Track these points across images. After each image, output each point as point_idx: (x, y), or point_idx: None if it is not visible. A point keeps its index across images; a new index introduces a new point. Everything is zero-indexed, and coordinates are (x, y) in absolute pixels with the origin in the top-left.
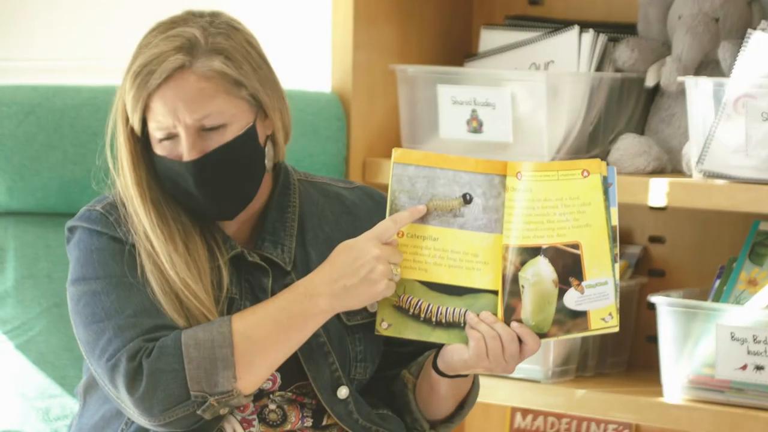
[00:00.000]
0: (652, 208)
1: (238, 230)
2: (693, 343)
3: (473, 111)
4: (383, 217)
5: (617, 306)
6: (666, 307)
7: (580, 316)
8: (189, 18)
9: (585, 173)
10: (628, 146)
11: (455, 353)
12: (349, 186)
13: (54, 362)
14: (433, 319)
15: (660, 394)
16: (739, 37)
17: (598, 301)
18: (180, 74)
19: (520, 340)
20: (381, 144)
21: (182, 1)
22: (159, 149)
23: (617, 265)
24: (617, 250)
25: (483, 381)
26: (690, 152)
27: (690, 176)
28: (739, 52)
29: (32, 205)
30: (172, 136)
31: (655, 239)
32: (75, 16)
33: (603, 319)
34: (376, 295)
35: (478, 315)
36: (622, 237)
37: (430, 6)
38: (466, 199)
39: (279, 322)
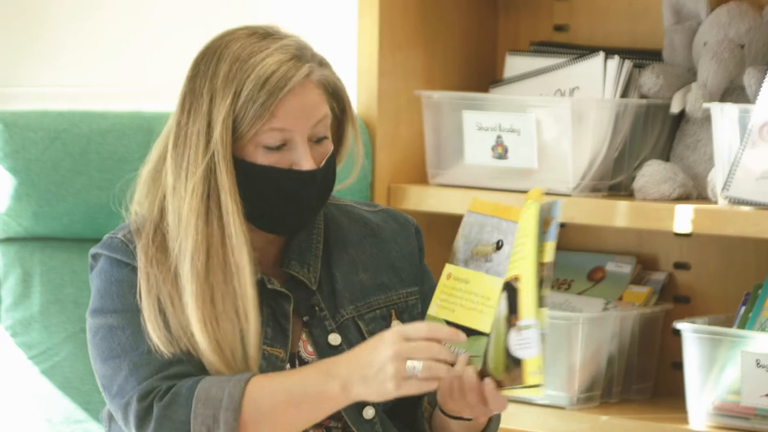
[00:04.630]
0: (677, 235)
1: (265, 251)
2: (718, 370)
3: (498, 137)
4: (407, 239)
5: (543, 361)
6: (691, 333)
7: (518, 364)
8: (269, 31)
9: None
10: (653, 173)
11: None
12: (373, 209)
13: (79, 387)
14: None
15: (685, 420)
16: (764, 64)
17: (527, 348)
18: (306, 82)
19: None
20: (406, 170)
21: (210, 26)
22: (262, 158)
23: (544, 310)
24: (547, 292)
25: (507, 408)
26: (715, 179)
27: (715, 203)
28: (764, 78)
29: (58, 231)
30: (282, 146)
31: (680, 265)
32: (102, 42)
33: (532, 373)
34: (387, 394)
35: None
36: (648, 263)
37: (455, 32)
38: (498, 246)
39: (292, 396)
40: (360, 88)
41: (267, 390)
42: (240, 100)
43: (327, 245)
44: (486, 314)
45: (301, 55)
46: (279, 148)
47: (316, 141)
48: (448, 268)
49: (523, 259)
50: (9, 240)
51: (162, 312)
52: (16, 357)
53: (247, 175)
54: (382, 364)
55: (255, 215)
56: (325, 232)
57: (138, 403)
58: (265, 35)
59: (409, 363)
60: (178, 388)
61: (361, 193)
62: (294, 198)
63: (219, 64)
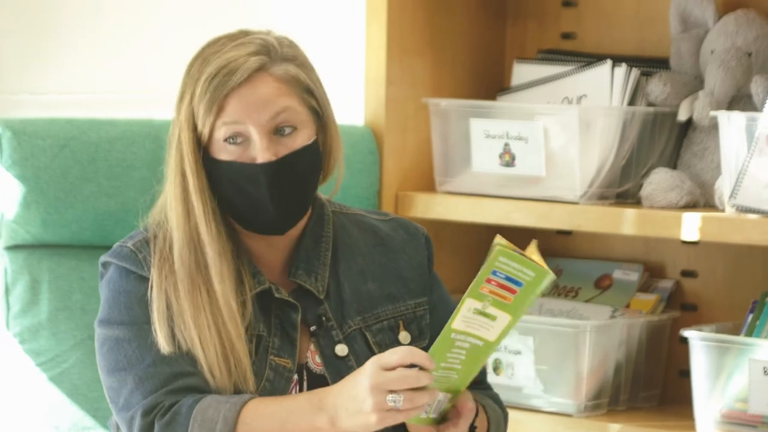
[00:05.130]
0: (684, 243)
1: (272, 260)
2: (726, 378)
3: (506, 145)
4: (416, 249)
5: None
6: (698, 341)
7: None
8: (248, 32)
9: None
10: (660, 180)
11: None
12: (383, 218)
13: (87, 395)
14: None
15: (692, 428)
16: None
17: None
18: (258, 75)
19: None
20: (414, 177)
21: (216, 35)
22: (224, 154)
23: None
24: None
25: (514, 415)
26: (722, 187)
27: (722, 211)
28: None
29: (66, 238)
30: (240, 140)
31: (687, 273)
32: (110, 49)
33: None
34: (370, 427)
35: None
36: (655, 271)
37: (463, 40)
38: None
39: (284, 425)
40: (368, 96)
41: (262, 414)
42: (195, 98)
43: (335, 254)
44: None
45: (264, 52)
46: (239, 142)
47: (279, 134)
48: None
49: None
50: (17, 247)
51: (170, 310)
52: (24, 364)
53: (213, 172)
54: (363, 398)
55: (232, 213)
56: (334, 241)
57: (142, 418)
58: (237, 35)
59: (389, 396)
60: (179, 407)
61: (369, 200)
62: (250, 191)
63: (192, 68)
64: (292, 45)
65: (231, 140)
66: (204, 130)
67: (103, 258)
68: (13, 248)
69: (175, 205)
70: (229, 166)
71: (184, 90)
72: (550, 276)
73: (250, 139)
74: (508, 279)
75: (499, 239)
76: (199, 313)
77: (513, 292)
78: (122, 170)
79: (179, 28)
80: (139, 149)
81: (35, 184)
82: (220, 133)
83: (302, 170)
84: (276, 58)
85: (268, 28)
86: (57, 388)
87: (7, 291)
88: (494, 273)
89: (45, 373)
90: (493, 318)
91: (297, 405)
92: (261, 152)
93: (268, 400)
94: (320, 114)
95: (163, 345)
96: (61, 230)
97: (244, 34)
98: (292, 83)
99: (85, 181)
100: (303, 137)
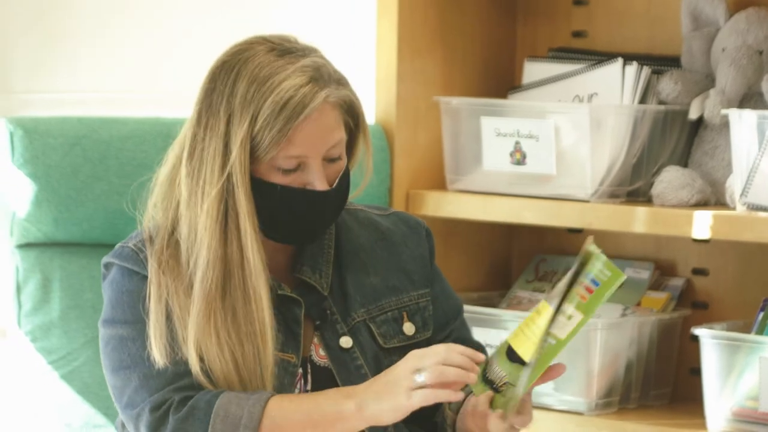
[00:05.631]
0: (695, 241)
1: (276, 257)
2: (736, 376)
3: (517, 143)
4: (418, 242)
5: (516, 401)
6: (709, 339)
7: None
8: (291, 47)
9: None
10: (671, 179)
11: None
12: (383, 212)
13: (98, 393)
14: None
15: (703, 426)
16: None
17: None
18: (323, 106)
19: None
20: (424, 176)
21: (228, 33)
22: (277, 177)
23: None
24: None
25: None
26: (734, 185)
27: (733, 209)
28: None
29: (78, 236)
30: (297, 167)
31: (698, 271)
32: (121, 48)
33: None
34: (400, 407)
35: (505, 389)
36: (666, 269)
37: (473, 38)
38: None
39: (310, 417)
40: (378, 95)
41: (287, 409)
42: (257, 125)
43: (338, 250)
44: (531, 342)
45: (319, 77)
46: (294, 169)
47: (329, 161)
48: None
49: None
50: (29, 245)
51: (169, 319)
52: (36, 362)
53: (262, 194)
54: (396, 380)
55: (267, 230)
56: (336, 237)
57: (150, 414)
58: (283, 52)
59: (417, 375)
60: (196, 402)
61: (380, 199)
62: (307, 217)
63: (236, 84)
64: (333, 65)
65: (292, 168)
66: (265, 157)
67: (105, 259)
68: (24, 246)
69: (210, 225)
70: (286, 192)
71: (234, 110)
72: (623, 277)
73: (307, 166)
74: (593, 281)
75: (592, 245)
76: (212, 334)
77: (591, 291)
78: (133, 169)
79: (189, 28)
80: (150, 147)
81: (46, 182)
82: (281, 162)
83: (346, 190)
84: (330, 82)
85: (292, 33)
86: (68, 386)
87: (18, 289)
88: (586, 275)
89: (56, 371)
90: (569, 317)
91: (324, 396)
92: (320, 181)
93: (291, 395)
94: (356, 128)
95: (157, 358)
96: (72, 228)
97: (287, 50)
98: (344, 108)
99: (96, 179)
100: (343, 161)
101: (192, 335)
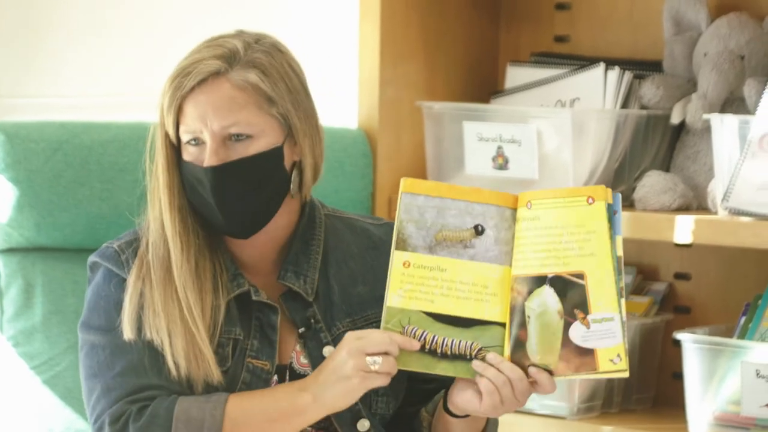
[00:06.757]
0: (677, 245)
1: (259, 262)
2: (718, 380)
3: (499, 147)
4: None
5: (626, 347)
6: (691, 344)
7: (587, 354)
8: (237, 34)
9: (590, 200)
10: (653, 183)
11: (467, 403)
12: (377, 222)
13: (80, 398)
14: (438, 351)
15: (685, 431)
16: (764, 75)
17: (605, 339)
18: (214, 80)
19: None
20: None
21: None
22: (186, 155)
23: (623, 300)
24: (623, 283)
25: (507, 417)
26: (715, 189)
27: (715, 213)
28: (764, 89)
29: (60, 241)
30: (199, 142)
31: (680, 276)
32: (103, 53)
33: (611, 360)
34: (353, 391)
35: (484, 355)
36: (648, 274)
37: (456, 43)
38: (478, 231)
39: (268, 414)
40: (361, 99)
41: (245, 409)
42: (163, 99)
43: (326, 256)
44: (489, 303)
45: (230, 56)
46: (196, 144)
47: (234, 140)
48: (402, 255)
49: (591, 255)
50: (11, 250)
51: (143, 296)
52: (18, 367)
53: (183, 172)
54: (342, 363)
55: (201, 215)
56: (325, 244)
57: (110, 426)
58: (217, 38)
59: (369, 358)
60: (155, 409)
61: (363, 204)
62: (200, 193)
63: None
64: (269, 50)
65: (193, 142)
66: (168, 130)
67: (91, 258)
68: (6, 252)
69: (150, 199)
70: (186, 167)
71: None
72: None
73: (202, 140)
74: None
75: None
76: (167, 302)
77: None
78: (115, 173)
79: (174, 32)
80: (132, 152)
81: (28, 187)
82: (182, 132)
83: (254, 177)
84: (238, 64)
85: (260, 30)
86: (50, 391)
87: (0, 294)
88: None
89: (39, 376)
90: None
91: (279, 392)
92: (208, 156)
93: (247, 394)
94: (287, 123)
95: (127, 331)
96: (54, 233)
97: (230, 36)
98: (249, 91)
99: (78, 184)
100: (260, 145)
101: (159, 308)
